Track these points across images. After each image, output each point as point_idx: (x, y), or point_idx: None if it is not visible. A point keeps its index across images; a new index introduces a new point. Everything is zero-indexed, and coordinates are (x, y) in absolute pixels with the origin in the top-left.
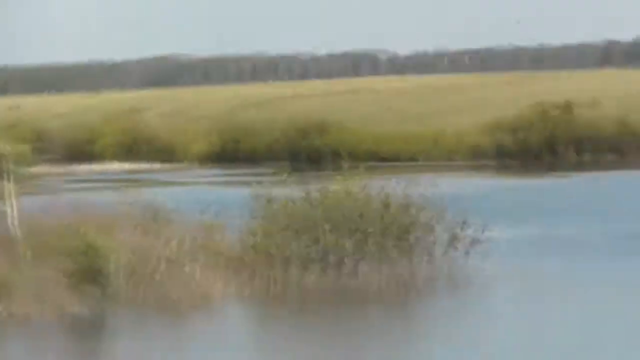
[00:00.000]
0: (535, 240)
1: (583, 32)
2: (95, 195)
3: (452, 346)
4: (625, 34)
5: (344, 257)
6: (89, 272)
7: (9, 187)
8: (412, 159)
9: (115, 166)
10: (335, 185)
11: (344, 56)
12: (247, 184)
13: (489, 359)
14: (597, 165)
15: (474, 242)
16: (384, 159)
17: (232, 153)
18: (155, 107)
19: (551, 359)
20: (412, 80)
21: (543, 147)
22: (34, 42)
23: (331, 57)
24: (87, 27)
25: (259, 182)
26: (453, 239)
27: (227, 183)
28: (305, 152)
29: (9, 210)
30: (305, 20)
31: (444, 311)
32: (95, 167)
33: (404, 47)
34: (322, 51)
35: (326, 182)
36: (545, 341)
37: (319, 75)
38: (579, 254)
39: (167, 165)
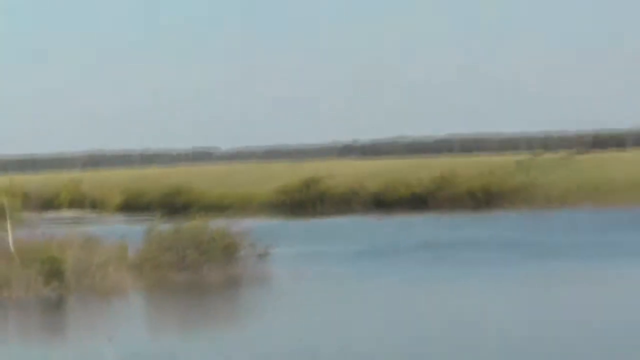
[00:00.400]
0: (302, 254)
1: (330, 134)
2: (56, 229)
3: (254, 307)
4: (348, 137)
5: (195, 264)
6: (53, 272)
7: (8, 224)
8: (233, 208)
9: (68, 213)
10: (190, 223)
11: (194, 151)
12: (142, 223)
13: (270, 309)
14: (336, 212)
15: (267, 254)
16: (218, 209)
17: (134, 205)
18: (90, 180)
19: (306, 309)
20: (232, 166)
21: (305, 202)
22: (16, 138)
23: (188, 151)
24: (46, 128)
25: (148, 222)
26: (256, 253)
27: (130, 222)
28: (175, 205)
29: (8, 236)
30: (171, 125)
31: (250, 292)
32: (57, 213)
33: (228, 144)
34: (180, 146)
35: (185, 221)
36: (306, 303)
37: (179, 162)
38: (327, 262)
39: (96, 212)
